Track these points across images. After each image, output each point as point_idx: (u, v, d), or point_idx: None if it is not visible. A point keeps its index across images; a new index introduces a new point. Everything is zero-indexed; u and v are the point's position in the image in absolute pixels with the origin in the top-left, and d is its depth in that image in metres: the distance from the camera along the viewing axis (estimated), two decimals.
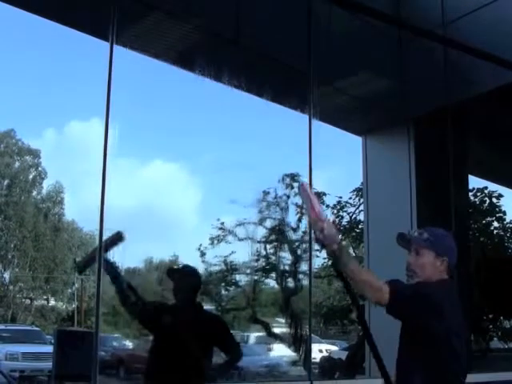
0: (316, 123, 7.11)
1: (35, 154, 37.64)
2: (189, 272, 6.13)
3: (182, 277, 5.88)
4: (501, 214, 19.01)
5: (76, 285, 38.14)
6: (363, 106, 8.78)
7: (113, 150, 5.89)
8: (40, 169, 37.98)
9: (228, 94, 8.57)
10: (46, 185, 38.35)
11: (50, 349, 8.37)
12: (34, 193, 38.35)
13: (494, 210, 18.88)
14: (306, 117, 7.25)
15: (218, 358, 5.99)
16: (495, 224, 19.28)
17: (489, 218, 19.06)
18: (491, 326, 19.95)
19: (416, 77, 8.32)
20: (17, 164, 37.41)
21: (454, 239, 4.05)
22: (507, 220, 19.30)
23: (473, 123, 8.75)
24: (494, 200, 18.59)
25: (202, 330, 5.73)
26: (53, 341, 7.59)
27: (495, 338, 20.79)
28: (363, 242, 10.52)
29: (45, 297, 38.08)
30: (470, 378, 7.90)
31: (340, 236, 3.95)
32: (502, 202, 18.67)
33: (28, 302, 37.05)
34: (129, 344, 28.47)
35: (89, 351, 5.29)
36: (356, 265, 3.84)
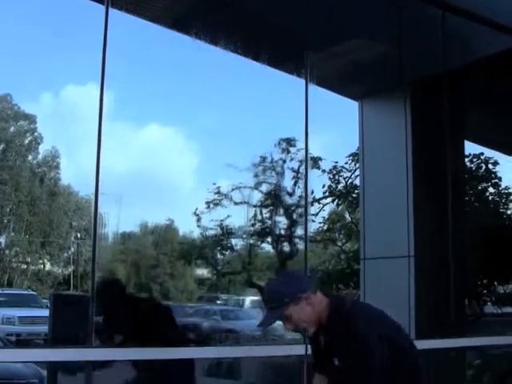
0: (312, 88, 7.09)
1: (31, 119, 37.48)
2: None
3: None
4: (496, 180, 19.01)
5: (72, 249, 38.22)
6: (360, 71, 8.74)
7: (108, 115, 5.88)
8: (36, 134, 37.87)
9: (224, 58, 8.52)
10: (42, 150, 38.27)
11: (46, 312, 8.39)
12: (30, 157, 38.26)
13: (490, 176, 18.88)
14: (303, 81, 7.23)
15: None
16: (491, 190, 19.29)
17: (484, 184, 19.06)
18: (485, 291, 20.03)
19: (414, 42, 8.28)
20: (12, 129, 37.28)
21: (288, 276, 4.18)
22: (502, 186, 19.32)
23: (470, 89, 8.72)
24: (490, 166, 18.58)
25: None
26: (49, 305, 7.60)
27: (489, 303, 20.90)
28: (359, 207, 10.53)
29: (41, 261, 38.14)
30: (465, 341, 7.97)
31: None
32: (498, 168, 18.70)
33: (24, 266, 37.11)
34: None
35: (85, 315, 5.30)
36: None
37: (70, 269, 37.79)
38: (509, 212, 19.73)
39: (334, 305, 3.99)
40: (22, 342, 18.26)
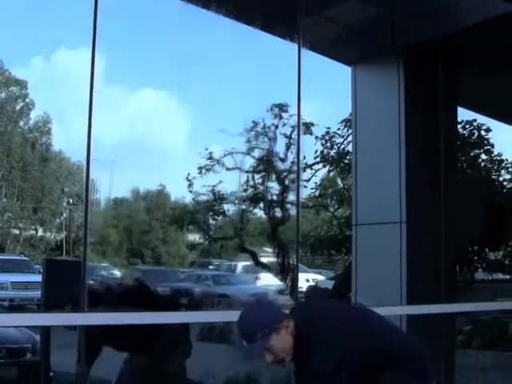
0: (305, 52, 7.06)
1: (22, 84, 37.27)
2: None
3: None
4: (489, 147, 19.03)
5: (64, 215, 38.21)
6: (353, 36, 8.70)
7: (100, 80, 5.85)
8: (27, 100, 37.68)
9: (216, 22, 8.47)
10: (34, 115, 38.10)
11: (38, 278, 8.41)
12: (21, 123, 38.09)
13: (482, 143, 18.89)
14: (295, 46, 7.20)
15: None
16: (483, 157, 19.32)
17: (477, 151, 19.08)
18: (476, 258, 20.12)
19: (407, 6, 8.24)
20: (3, 95, 37.09)
21: (257, 308, 4.03)
22: (495, 153, 19.34)
23: (464, 54, 8.70)
24: (483, 133, 18.59)
25: None
26: (41, 270, 7.62)
27: (480, 270, 21.02)
28: (351, 173, 10.54)
29: (33, 227, 38.13)
30: (455, 307, 8.02)
31: None
32: (490, 135, 18.71)
33: (16, 231, 37.11)
34: (117, 273, 28.68)
35: (77, 280, 5.32)
36: None
37: (63, 234, 37.80)
38: (501, 179, 19.78)
39: (298, 330, 3.88)
40: (15, 307, 18.31)
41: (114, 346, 6.47)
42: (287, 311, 3.99)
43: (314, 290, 17.52)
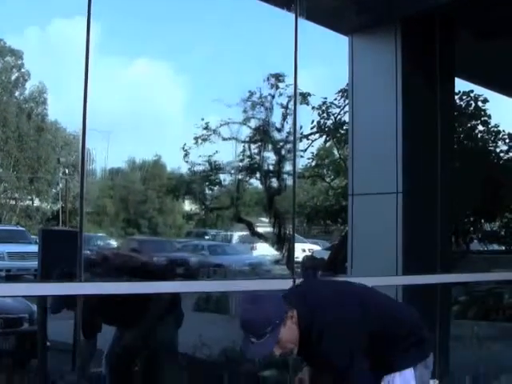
0: (302, 22, 7.01)
1: (17, 54, 37.15)
2: None
3: None
4: (486, 118, 19.02)
5: (60, 185, 38.21)
6: (351, 5, 8.64)
7: (96, 49, 5.81)
8: (23, 70, 37.55)
9: None
10: (29, 85, 37.99)
11: (35, 248, 8.43)
12: (17, 93, 38.00)
13: (479, 114, 18.88)
14: (292, 15, 7.16)
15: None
16: (480, 128, 19.31)
17: (474, 122, 19.06)
18: (472, 229, 20.17)
19: None
20: None
21: (260, 304, 3.87)
22: (492, 124, 19.33)
23: (462, 25, 8.66)
24: (480, 104, 18.56)
25: None
26: (38, 240, 7.63)
27: (475, 241, 21.07)
28: (347, 143, 10.53)
29: (29, 197, 38.14)
30: (451, 278, 8.03)
31: None
32: (487, 106, 18.69)
33: (13, 202, 37.12)
34: (113, 243, 28.74)
35: (74, 250, 5.32)
36: None
37: (59, 205, 37.83)
38: (497, 150, 19.79)
39: (303, 319, 3.84)
40: (12, 277, 18.38)
41: (105, 318, 6.49)
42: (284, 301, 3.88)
43: (310, 259, 17.54)
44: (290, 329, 3.79)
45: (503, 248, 21.42)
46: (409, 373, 3.95)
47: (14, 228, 26.47)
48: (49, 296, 6.40)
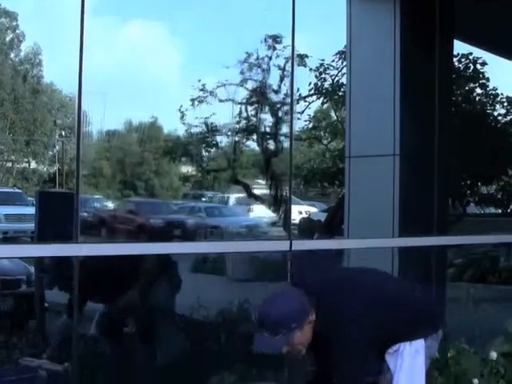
0: None
1: (12, 16, 36.89)
2: None
3: None
4: (484, 81, 18.95)
5: (57, 147, 38.12)
6: None
7: (91, 10, 5.75)
8: (18, 31, 37.30)
9: None
10: (24, 47, 37.76)
11: (32, 210, 8.45)
12: (12, 55, 37.77)
13: (478, 77, 18.80)
14: None
15: None
16: (478, 91, 19.24)
17: (472, 85, 19.00)
18: (468, 192, 20.20)
19: None
20: None
21: (282, 301, 3.80)
22: (490, 87, 19.27)
23: None
24: (478, 67, 18.48)
25: None
26: (35, 202, 7.64)
27: (472, 204, 21.11)
28: (345, 105, 10.49)
29: (26, 159, 38.07)
30: (447, 240, 8.05)
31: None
32: (486, 69, 18.61)
33: (9, 164, 37.05)
34: (110, 205, 28.75)
35: (70, 212, 5.32)
36: None
37: (55, 167, 37.76)
38: (495, 113, 19.75)
39: (320, 318, 3.76)
40: (9, 239, 18.43)
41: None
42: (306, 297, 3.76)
43: (306, 221, 17.57)
44: (306, 333, 3.71)
45: (500, 211, 21.47)
46: (418, 343, 3.96)
47: (11, 190, 26.47)
48: (46, 257, 6.42)
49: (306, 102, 20.61)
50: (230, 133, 22.58)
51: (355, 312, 3.75)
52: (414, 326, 3.97)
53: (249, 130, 21.76)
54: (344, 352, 3.68)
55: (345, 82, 11.35)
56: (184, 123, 22.30)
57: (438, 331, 4.12)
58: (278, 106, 20.83)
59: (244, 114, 21.51)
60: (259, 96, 20.98)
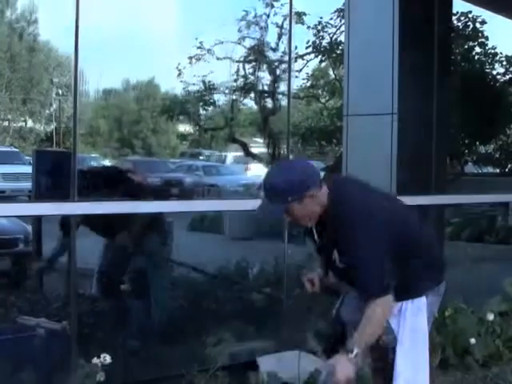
0: None
1: None
2: None
3: None
4: (483, 40, 18.85)
5: (54, 106, 37.99)
6: None
7: None
8: None
9: None
10: (20, 4, 37.49)
11: (29, 169, 8.43)
12: (8, 13, 37.50)
13: (477, 35, 18.70)
14: None
15: None
16: (477, 49, 19.15)
17: (471, 43, 18.90)
18: (467, 151, 20.20)
19: None
20: None
21: (293, 169, 3.77)
22: (489, 46, 19.17)
23: None
24: (478, 25, 18.39)
25: None
26: (32, 161, 7.63)
27: (470, 163, 21.13)
28: (343, 64, 10.43)
29: (22, 118, 37.96)
30: (445, 199, 8.05)
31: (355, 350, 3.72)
32: (485, 27, 18.52)
33: (6, 123, 36.95)
34: (107, 163, 28.72)
35: (67, 171, 5.31)
36: (363, 333, 3.75)
37: (52, 126, 37.67)
38: (494, 72, 19.67)
39: (335, 192, 3.77)
40: (7, 198, 18.43)
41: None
42: (323, 179, 3.79)
43: None
44: (306, 206, 3.68)
45: (497, 170, 21.50)
46: (420, 301, 3.97)
47: (8, 149, 26.39)
48: (43, 216, 6.42)
49: (303, 60, 20.57)
50: (227, 91, 22.52)
51: (370, 202, 3.80)
52: (414, 270, 3.96)
53: (246, 88, 21.69)
54: (355, 232, 3.68)
55: (343, 40, 11.27)
56: (181, 81, 22.24)
57: (441, 284, 4.11)
58: (276, 64, 20.76)
59: (242, 72, 21.43)
60: (257, 54, 20.88)
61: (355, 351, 3.64)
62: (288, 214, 3.72)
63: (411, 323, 3.94)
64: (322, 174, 3.97)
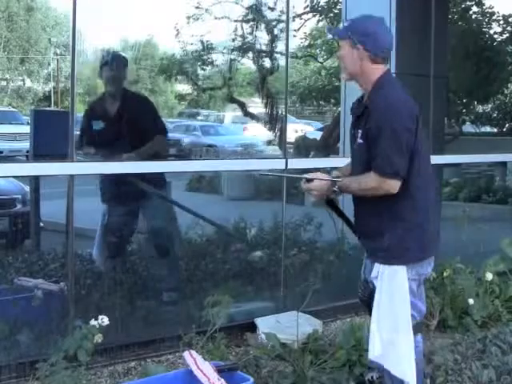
0: None
1: None
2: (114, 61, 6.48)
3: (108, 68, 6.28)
4: None
5: (52, 65, 37.77)
6: None
7: None
8: None
9: None
10: None
11: (27, 129, 8.41)
12: None
13: None
14: None
15: None
16: (474, 9, 19.04)
17: (468, 3, 18.78)
18: (464, 110, 20.16)
19: None
20: None
21: (378, 23, 4.12)
22: (486, 5, 19.06)
23: None
24: None
25: (130, 114, 6.04)
26: (30, 121, 7.61)
27: (468, 122, 21.10)
28: (341, 24, 10.37)
29: (20, 78, 37.77)
30: (443, 159, 8.06)
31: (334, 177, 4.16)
32: None
33: (4, 83, 36.78)
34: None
35: (65, 131, 5.30)
36: (353, 181, 4.04)
37: (50, 85, 37.49)
38: (491, 32, 19.57)
39: (384, 79, 4.10)
40: (4, 158, 18.40)
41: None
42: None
43: (302, 140, 17.57)
44: (349, 56, 4.08)
45: (495, 130, 21.47)
46: (397, 269, 4.00)
47: (6, 109, 26.32)
48: (40, 176, 6.42)
49: (301, 19, 20.42)
50: (225, 51, 22.38)
51: (409, 109, 4.11)
52: (406, 238, 4.02)
53: (244, 47, 21.56)
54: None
55: (341, 0, 11.20)
56: (179, 41, 22.10)
57: (426, 260, 4.14)
58: (274, 23, 20.58)
59: (239, 32, 21.28)
60: (255, 13, 20.73)
61: (337, 187, 4.01)
62: (340, 48, 4.12)
63: (388, 286, 3.99)
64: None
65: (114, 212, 6.61)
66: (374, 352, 4.06)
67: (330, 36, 4.49)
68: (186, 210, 7.30)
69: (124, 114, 6.49)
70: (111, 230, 6.59)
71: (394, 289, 3.98)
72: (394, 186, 3.85)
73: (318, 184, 4.05)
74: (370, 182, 3.90)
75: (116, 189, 6.43)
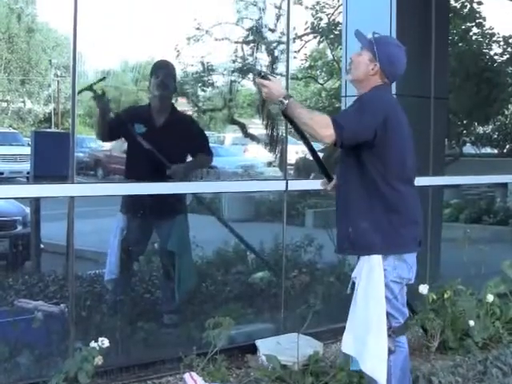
0: None
1: None
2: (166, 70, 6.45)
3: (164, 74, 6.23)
4: (481, 20, 18.76)
5: (52, 86, 37.86)
6: None
7: None
8: None
9: None
10: None
11: (27, 150, 8.42)
12: None
13: (474, 16, 18.61)
14: None
15: None
16: (474, 30, 19.07)
17: (468, 24, 18.82)
18: (465, 132, 20.18)
19: None
20: None
21: (401, 51, 4.47)
22: (487, 26, 19.09)
23: None
24: (475, 6, 18.29)
25: (174, 132, 5.97)
26: (30, 142, 7.63)
27: (468, 144, 21.11)
28: (341, 45, 10.41)
29: (21, 99, 37.83)
30: (443, 180, 8.06)
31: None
32: (482, 8, 18.41)
33: (4, 104, 36.85)
34: (106, 145, 28.62)
35: (66, 152, 5.31)
36: (305, 109, 4.17)
37: (51, 106, 37.55)
38: (492, 53, 19.61)
39: (378, 86, 4.35)
40: (5, 179, 18.42)
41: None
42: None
43: (303, 161, 17.58)
44: (361, 63, 4.38)
45: (496, 151, 21.49)
46: (375, 258, 4.05)
47: (7, 130, 26.36)
48: (41, 197, 6.42)
49: (302, 41, 20.49)
50: (226, 72, 22.43)
51: (388, 104, 4.45)
52: (386, 227, 4.15)
53: (245, 69, 21.61)
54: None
55: (341, 21, 11.23)
56: (180, 62, 22.14)
57: (406, 254, 4.18)
58: (274, 44, 20.65)
59: (240, 53, 21.34)
60: (255, 35, 20.80)
61: (286, 101, 4.08)
62: (359, 54, 4.43)
63: (365, 284, 4.05)
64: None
65: (132, 227, 6.54)
66: (347, 348, 4.23)
67: (355, 40, 4.48)
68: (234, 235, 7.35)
69: (171, 127, 6.50)
70: (128, 245, 6.52)
71: (371, 288, 4.07)
72: (331, 136, 4.00)
73: (272, 84, 4.16)
74: (318, 118, 4.07)
75: (139, 205, 6.36)
